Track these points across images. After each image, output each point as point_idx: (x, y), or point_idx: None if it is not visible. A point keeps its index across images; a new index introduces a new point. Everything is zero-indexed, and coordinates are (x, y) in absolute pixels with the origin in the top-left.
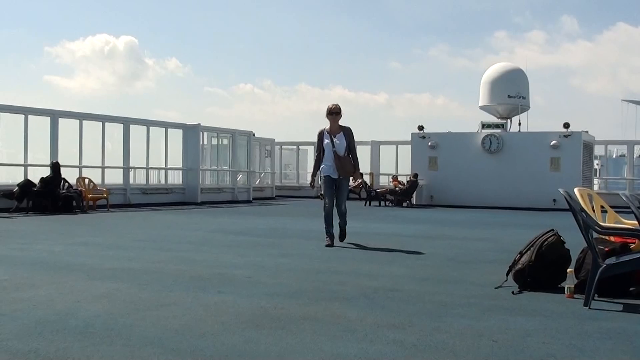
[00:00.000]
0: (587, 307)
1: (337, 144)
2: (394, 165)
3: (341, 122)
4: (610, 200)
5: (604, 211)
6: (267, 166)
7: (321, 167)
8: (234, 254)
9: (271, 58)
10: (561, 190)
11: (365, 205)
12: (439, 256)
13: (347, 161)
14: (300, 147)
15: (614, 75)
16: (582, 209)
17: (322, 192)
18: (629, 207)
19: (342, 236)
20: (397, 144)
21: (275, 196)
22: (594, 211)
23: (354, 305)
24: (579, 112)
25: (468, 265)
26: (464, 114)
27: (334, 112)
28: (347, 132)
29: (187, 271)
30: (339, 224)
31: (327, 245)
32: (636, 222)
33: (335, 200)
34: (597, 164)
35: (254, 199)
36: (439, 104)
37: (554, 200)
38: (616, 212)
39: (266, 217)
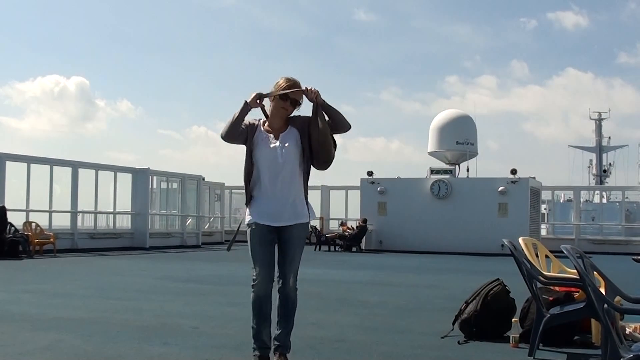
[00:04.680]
0: (532, 357)
1: (285, 152)
2: (343, 210)
3: None
4: (557, 244)
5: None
6: (216, 210)
7: (250, 203)
8: (181, 302)
9: (224, 100)
10: (505, 241)
11: (315, 250)
12: (386, 304)
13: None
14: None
15: (565, 120)
16: (526, 259)
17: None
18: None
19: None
20: (346, 188)
21: (225, 241)
22: (537, 258)
23: (300, 356)
24: (530, 157)
25: (415, 314)
26: (418, 158)
27: (290, 98)
28: (301, 125)
29: (133, 321)
30: (277, 335)
31: None
32: None
33: (278, 271)
34: (545, 209)
35: (203, 243)
36: (393, 149)
37: (502, 245)
38: (562, 258)
39: (215, 263)
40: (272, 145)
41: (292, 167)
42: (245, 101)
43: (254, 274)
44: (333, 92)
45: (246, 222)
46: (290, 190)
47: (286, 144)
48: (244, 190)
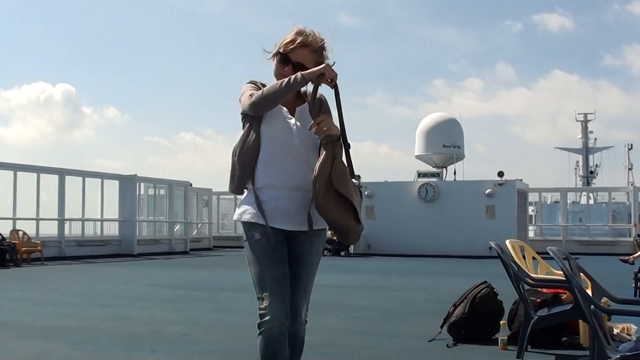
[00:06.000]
0: (520, 359)
1: (303, 131)
2: None
3: None
4: (545, 246)
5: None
6: (204, 216)
7: (245, 195)
8: (169, 309)
9: (212, 106)
10: (493, 244)
11: None
12: (375, 308)
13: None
14: (238, 196)
15: (552, 122)
16: (514, 262)
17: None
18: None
19: None
20: None
21: (213, 247)
22: (525, 260)
23: None
24: (517, 159)
25: (404, 317)
26: (406, 162)
27: (292, 61)
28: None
29: (122, 328)
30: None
31: None
32: None
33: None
34: (532, 211)
35: (191, 249)
36: (381, 153)
37: (490, 248)
38: (550, 260)
39: (203, 269)
40: (286, 120)
41: (312, 152)
42: (303, 75)
43: (263, 306)
44: None
45: (244, 222)
46: (309, 181)
47: (304, 122)
48: (232, 196)
